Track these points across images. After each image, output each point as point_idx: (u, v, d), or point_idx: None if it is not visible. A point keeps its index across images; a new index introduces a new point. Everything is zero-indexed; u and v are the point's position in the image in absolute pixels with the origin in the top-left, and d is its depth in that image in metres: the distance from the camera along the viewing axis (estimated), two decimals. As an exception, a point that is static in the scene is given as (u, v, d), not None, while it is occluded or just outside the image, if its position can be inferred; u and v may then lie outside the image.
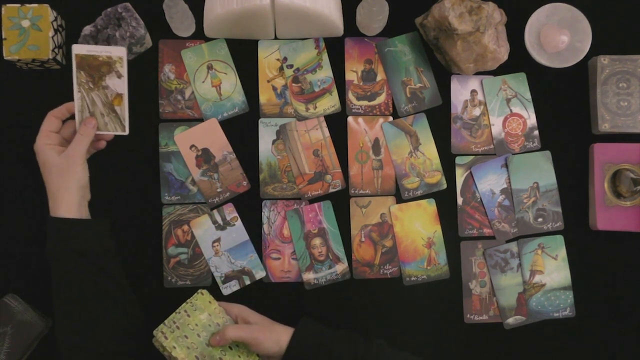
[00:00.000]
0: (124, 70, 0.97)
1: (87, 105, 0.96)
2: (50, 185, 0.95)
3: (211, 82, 1.09)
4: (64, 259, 0.92)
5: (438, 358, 1.06)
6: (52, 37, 1.02)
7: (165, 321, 0.91)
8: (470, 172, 1.09)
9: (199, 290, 0.96)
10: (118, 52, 0.96)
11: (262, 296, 1.06)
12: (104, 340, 0.91)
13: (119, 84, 0.97)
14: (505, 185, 1.09)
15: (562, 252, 1.08)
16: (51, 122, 0.96)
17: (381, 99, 1.10)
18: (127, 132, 0.99)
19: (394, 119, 1.10)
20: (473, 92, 1.11)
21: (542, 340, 1.07)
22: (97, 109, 0.97)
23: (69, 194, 0.94)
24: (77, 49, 0.95)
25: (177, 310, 0.92)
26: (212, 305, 0.94)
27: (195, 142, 1.08)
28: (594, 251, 1.09)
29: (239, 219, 1.07)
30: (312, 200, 1.08)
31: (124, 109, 0.98)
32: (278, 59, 1.10)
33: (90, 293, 0.92)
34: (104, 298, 0.92)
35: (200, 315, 0.92)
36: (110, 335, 0.91)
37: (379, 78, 1.11)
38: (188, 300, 0.94)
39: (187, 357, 0.88)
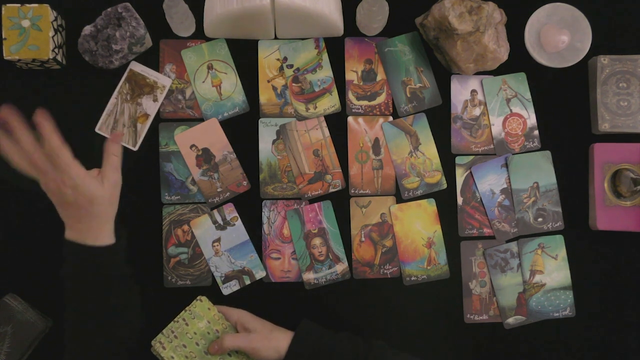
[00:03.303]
0: (161, 97, 1.06)
1: (116, 111, 1.05)
2: (92, 219, 0.85)
3: (211, 82, 1.09)
4: (93, 282, 0.87)
5: (438, 358, 1.06)
6: (52, 37, 1.02)
7: (164, 330, 0.91)
8: (470, 172, 1.09)
9: (198, 297, 0.95)
10: (164, 81, 1.07)
11: (262, 296, 1.06)
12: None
13: (151, 106, 1.06)
14: (505, 185, 1.09)
15: (562, 252, 1.08)
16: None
17: (381, 99, 1.10)
18: (136, 149, 1.06)
19: (394, 118, 1.10)
20: (473, 92, 1.11)
21: (542, 340, 1.07)
22: (123, 119, 1.06)
23: (110, 223, 0.88)
24: (134, 65, 1.07)
25: (175, 319, 0.92)
26: (212, 312, 0.94)
27: (196, 142, 1.08)
28: (594, 251, 1.09)
29: (239, 218, 1.07)
30: (312, 200, 1.08)
31: (144, 128, 1.06)
32: (278, 59, 1.10)
33: (104, 303, 0.88)
34: (112, 313, 0.89)
35: (199, 323, 0.92)
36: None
37: (379, 78, 1.11)
38: (186, 308, 0.93)
39: None
